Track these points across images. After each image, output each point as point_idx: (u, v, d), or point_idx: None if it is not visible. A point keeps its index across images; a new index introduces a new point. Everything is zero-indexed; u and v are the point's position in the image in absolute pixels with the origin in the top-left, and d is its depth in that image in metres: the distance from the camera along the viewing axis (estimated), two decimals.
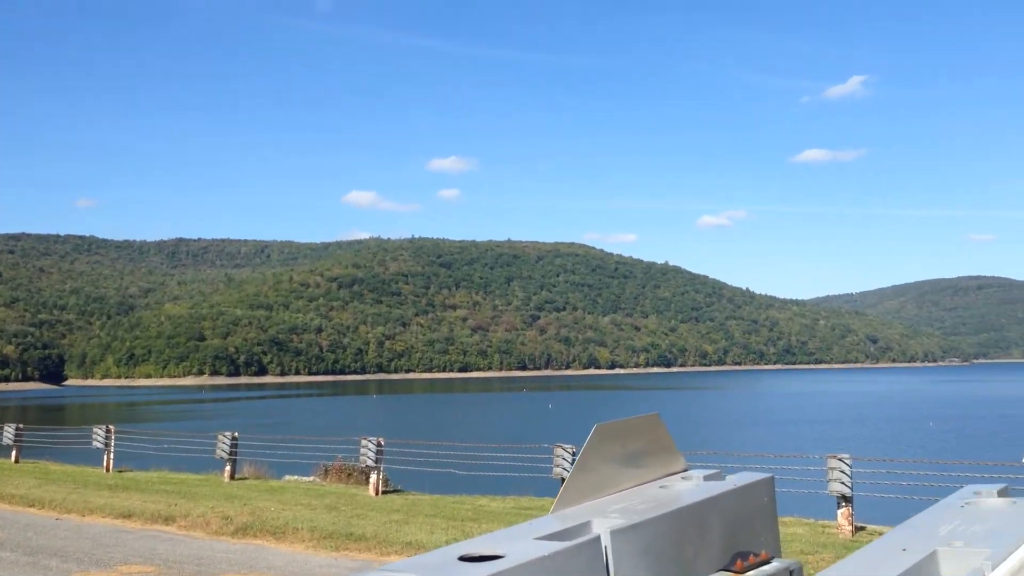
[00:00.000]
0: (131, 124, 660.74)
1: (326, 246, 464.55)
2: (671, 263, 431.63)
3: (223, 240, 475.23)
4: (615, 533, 3.37)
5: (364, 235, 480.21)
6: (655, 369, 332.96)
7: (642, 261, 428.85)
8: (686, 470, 4.45)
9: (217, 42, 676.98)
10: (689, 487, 4.07)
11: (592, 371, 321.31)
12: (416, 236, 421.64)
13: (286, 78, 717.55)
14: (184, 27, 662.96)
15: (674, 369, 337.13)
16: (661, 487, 4.12)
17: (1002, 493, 3.58)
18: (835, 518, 12.56)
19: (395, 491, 17.95)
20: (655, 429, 4.37)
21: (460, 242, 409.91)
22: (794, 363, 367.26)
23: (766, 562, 3.42)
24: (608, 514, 3.59)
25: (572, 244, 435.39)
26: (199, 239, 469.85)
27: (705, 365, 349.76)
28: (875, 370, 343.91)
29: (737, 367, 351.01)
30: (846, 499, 12.19)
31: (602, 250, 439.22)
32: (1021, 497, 3.54)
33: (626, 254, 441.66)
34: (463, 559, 3.14)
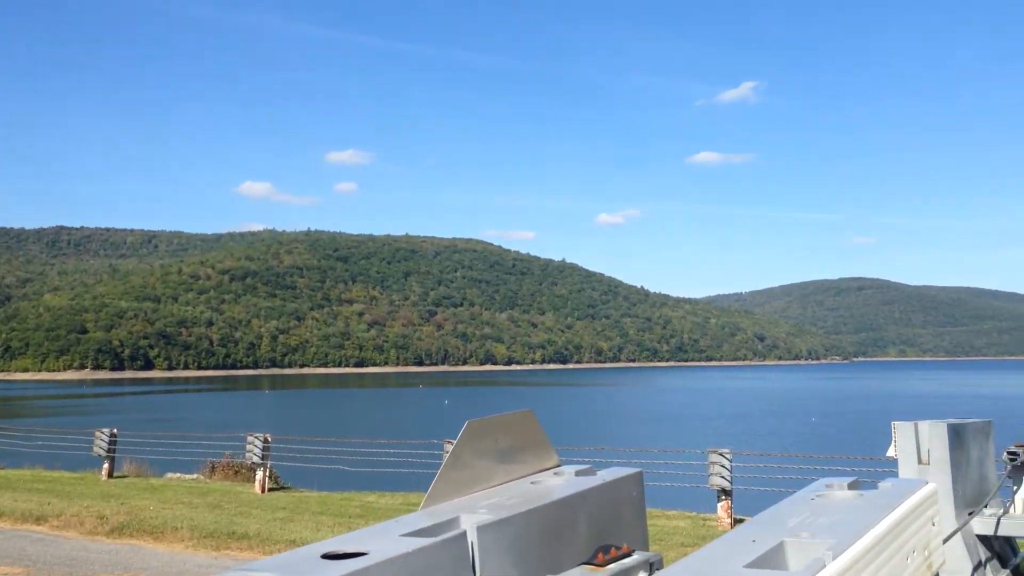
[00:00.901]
0: (11, 109, 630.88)
1: (218, 237, 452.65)
2: (568, 260, 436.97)
3: (107, 229, 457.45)
4: (482, 528, 3.39)
5: (258, 227, 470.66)
6: (551, 366, 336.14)
7: (540, 258, 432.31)
8: (559, 466, 4.52)
9: (113, 26, 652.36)
10: (559, 483, 4.14)
11: (489, 367, 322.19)
12: (312, 229, 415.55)
13: (179, 64, 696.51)
14: (77, 11, 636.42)
15: (570, 366, 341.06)
16: (532, 483, 4.17)
17: (852, 486, 3.75)
18: (716, 511, 12.91)
19: (282, 488, 17.64)
20: (528, 425, 4.42)
21: (357, 236, 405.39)
22: (686, 360, 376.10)
23: (628, 555, 3.50)
24: (477, 510, 3.61)
25: (470, 240, 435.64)
26: (82, 227, 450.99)
27: (600, 362, 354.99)
28: (762, 367, 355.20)
29: (631, 364, 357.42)
30: (726, 492, 12.55)
31: (500, 246, 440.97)
32: (870, 489, 3.71)
33: (524, 251, 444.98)
34: (326, 557, 3.12)
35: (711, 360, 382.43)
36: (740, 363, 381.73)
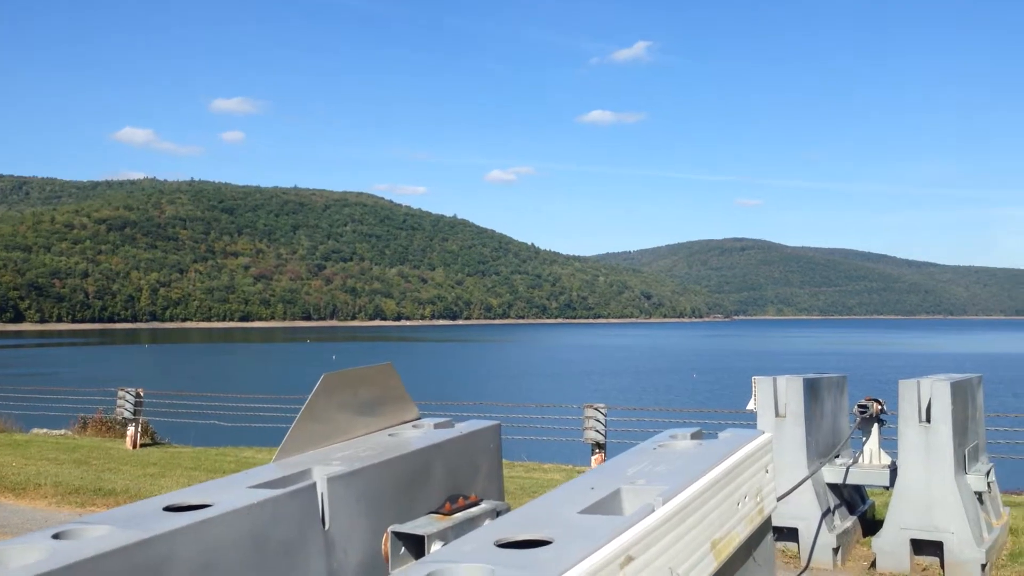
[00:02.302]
0: None
1: (94, 185, 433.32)
2: (459, 217, 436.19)
3: None
4: (332, 480, 3.40)
5: (138, 175, 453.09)
6: (441, 321, 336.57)
7: (431, 214, 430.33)
8: (418, 419, 4.55)
9: None
10: (416, 435, 4.17)
11: (378, 322, 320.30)
12: (196, 179, 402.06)
13: (55, 2, 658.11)
14: None
15: (459, 322, 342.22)
16: (390, 435, 4.20)
17: (695, 436, 3.91)
18: (590, 464, 13.25)
19: (156, 444, 17.23)
20: (388, 378, 4.43)
21: (244, 187, 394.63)
22: (574, 317, 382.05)
23: (475, 504, 3.57)
24: (330, 462, 3.61)
25: (361, 194, 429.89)
26: None
27: (490, 318, 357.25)
28: (648, 324, 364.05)
29: (520, 321, 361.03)
30: (599, 446, 12.89)
31: (391, 201, 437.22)
32: (710, 439, 3.87)
33: (415, 206, 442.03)
34: (168, 509, 3.07)
35: (599, 317, 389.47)
36: (627, 320, 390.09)
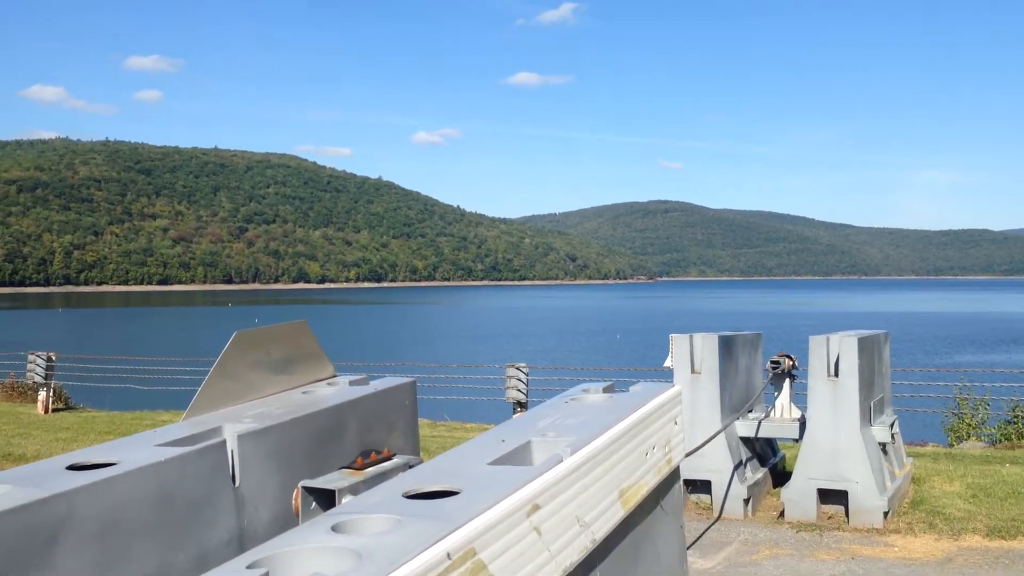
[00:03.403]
0: None
1: (3, 145, 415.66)
2: (384, 179, 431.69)
3: None
4: (243, 437, 3.37)
5: (49, 135, 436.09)
6: (366, 284, 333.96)
7: (355, 176, 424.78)
8: (333, 376, 4.53)
9: None
10: (331, 392, 4.16)
11: (302, 285, 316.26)
12: (111, 139, 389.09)
13: None
14: None
15: (385, 284, 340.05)
16: (304, 393, 4.17)
17: (607, 389, 3.97)
18: None
19: (69, 409, 16.81)
20: (302, 336, 4.40)
21: (162, 148, 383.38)
22: (500, 279, 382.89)
23: (388, 459, 3.58)
24: (241, 419, 3.58)
25: (284, 155, 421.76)
26: None
27: (415, 280, 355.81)
28: (573, 286, 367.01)
29: (446, 283, 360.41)
30: (521, 405, 13.02)
31: (315, 163, 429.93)
32: (621, 392, 3.94)
33: (339, 168, 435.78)
34: (72, 468, 3.02)
35: (524, 279, 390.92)
36: (552, 282, 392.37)
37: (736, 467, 8.13)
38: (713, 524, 7.74)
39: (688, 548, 6.98)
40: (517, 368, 13.15)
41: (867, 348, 8.07)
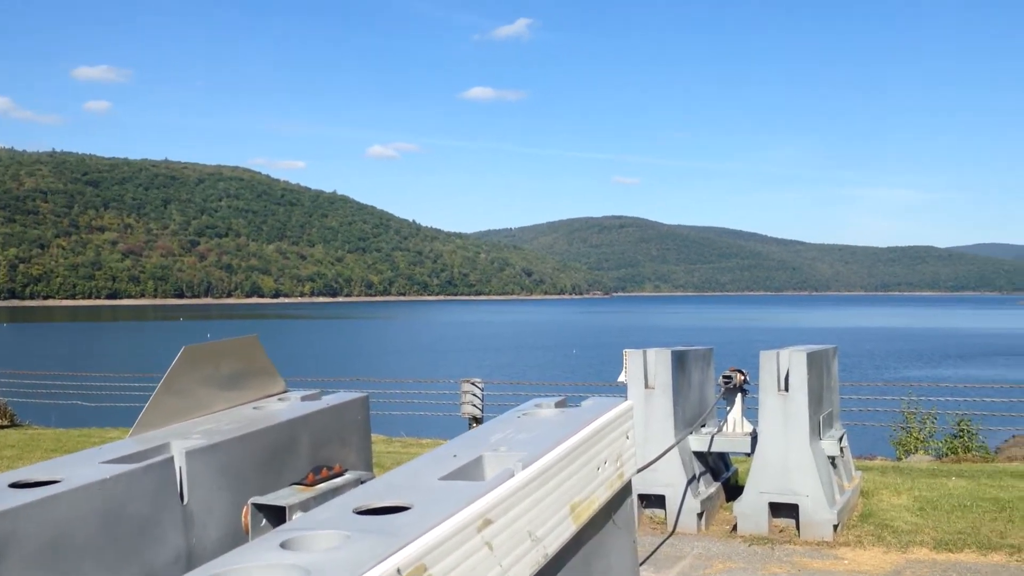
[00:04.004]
0: None
1: None
2: (339, 192, 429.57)
3: None
4: (191, 453, 3.32)
5: None
6: (321, 299, 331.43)
7: (310, 189, 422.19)
8: (285, 392, 4.49)
9: None
10: (282, 407, 4.12)
11: (255, 300, 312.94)
12: (58, 150, 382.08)
13: None
14: None
15: (340, 299, 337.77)
16: (254, 408, 4.13)
17: (559, 404, 3.99)
18: None
19: (14, 426, 16.43)
20: (252, 351, 4.35)
21: (111, 159, 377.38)
22: (456, 294, 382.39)
23: (339, 475, 3.56)
24: (190, 436, 3.53)
25: (236, 168, 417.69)
26: None
27: (371, 295, 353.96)
28: (529, 301, 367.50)
29: (402, 297, 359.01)
30: (476, 420, 13.01)
31: (268, 176, 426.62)
32: (573, 407, 3.96)
33: (294, 181, 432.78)
34: (14, 485, 2.95)
35: (480, 294, 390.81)
36: (508, 297, 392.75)
37: (689, 481, 8.18)
38: (667, 539, 7.78)
39: (642, 563, 7.01)
40: (472, 383, 13.14)
41: (816, 363, 8.19)
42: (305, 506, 3.18)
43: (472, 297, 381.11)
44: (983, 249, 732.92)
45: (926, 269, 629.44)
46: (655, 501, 8.23)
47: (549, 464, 2.94)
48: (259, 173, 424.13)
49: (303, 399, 4.26)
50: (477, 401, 13.00)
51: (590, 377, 42.96)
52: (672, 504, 8.10)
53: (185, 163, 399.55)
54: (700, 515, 8.06)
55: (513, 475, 2.76)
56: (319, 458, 3.90)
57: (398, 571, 2.00)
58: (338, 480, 3.46)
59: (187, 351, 3.87)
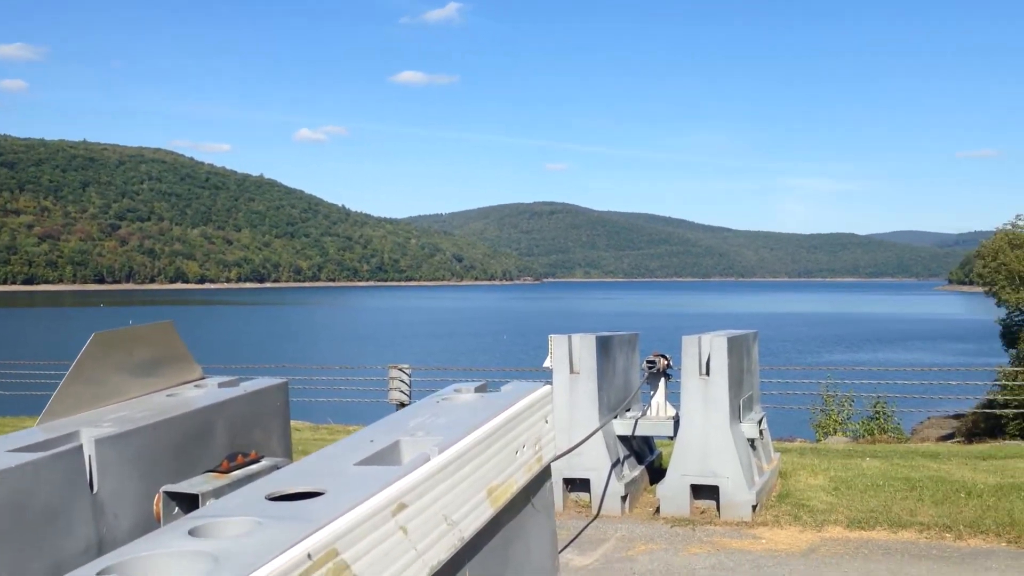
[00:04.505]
0: None
1: None
2: (266, 176, 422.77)
3: None
4: (101, 442, 3.25)
5: None
6: (248, 284, 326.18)
7: (236, 172, 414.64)
8: (202, 378, 4.41)
9: None
10: (198, 394, 4.04)
11: (180, 285, 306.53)
12: None
13: None
14: None
15: (267, 285, 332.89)
16: (168, 395, 4.04)
17: (479, 389, 3.99)
18: None
19: None
20: (167, 337, 4.26)
21: (26, 140, 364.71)
22: (386, 280, 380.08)
23: (255, 461, 3.51)
24: (100, 424, 3.45)
25: (159, 150, 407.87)
26: None
27: (299, 281, 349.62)
28: (460, 287, 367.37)
29: (331, 283, 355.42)
30: (403, 406, 12.96)
31: (192, 158, 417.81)
32: (493, 392, 3.96)
33: (219, 164, 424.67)
34: None
35: (411, 280, 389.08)
36: (439, 283, 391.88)
37: (614, 465, 8.28)
38: (591, 521, 7.87)
39: (566, 546, 7.09)
40: (400, 369, 13.09)
41: (736, 347, 8.35)
42: (219, 493, 3.13)
43: (402, 283, 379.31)
44: (901, 236, 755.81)
45: (847, 256, 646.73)
46: (580, 485, 8.32)
47: (466, 448, 2.94)
48: (182, 156, 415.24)
49: (220, 385, 4.19)
50: (405, 387, 12.96)
51: (519, 363, 43.17)
52: (596, 487, 8.19)
53: (104, 144, 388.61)
54: (624, 498, 8.17)
55: (429, 459, 2.76)
56: (236, 445, 3.84)
57: (308, 556, 1.98)
58: (253, 467, 3.42)
59: (97, 337, 3.77)
